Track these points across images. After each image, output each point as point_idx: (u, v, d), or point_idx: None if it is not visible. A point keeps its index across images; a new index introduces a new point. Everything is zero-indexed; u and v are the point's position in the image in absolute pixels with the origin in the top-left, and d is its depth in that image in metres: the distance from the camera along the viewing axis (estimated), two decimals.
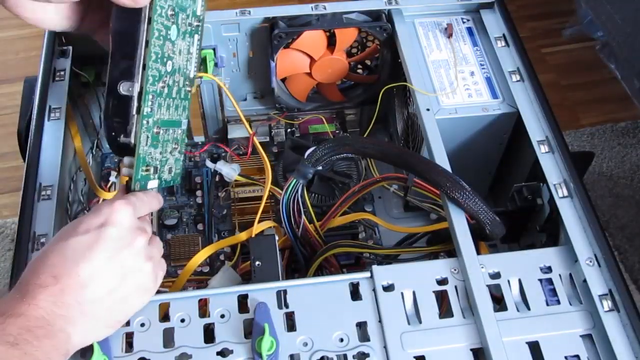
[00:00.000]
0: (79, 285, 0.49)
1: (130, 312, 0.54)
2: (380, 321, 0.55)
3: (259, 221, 0.68)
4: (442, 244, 0.67)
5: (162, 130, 0.58)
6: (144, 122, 0.55)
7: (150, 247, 0.55)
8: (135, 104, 0.54)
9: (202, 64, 0.79)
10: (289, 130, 0.89)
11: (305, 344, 0.54)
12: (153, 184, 0.58)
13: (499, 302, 0.57)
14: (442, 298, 0.58)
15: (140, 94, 0.54)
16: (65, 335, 0.48)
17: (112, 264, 0.51)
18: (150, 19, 0.53)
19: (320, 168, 0.68)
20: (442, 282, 0.58)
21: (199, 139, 0.91)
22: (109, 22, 0.54)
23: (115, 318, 0.53)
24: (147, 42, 0.53)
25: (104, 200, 0.74)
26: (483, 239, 0.64)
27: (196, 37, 0.63)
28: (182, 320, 0.55)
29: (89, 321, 0.50)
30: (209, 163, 0.78)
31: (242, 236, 0.68)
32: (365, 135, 0.87)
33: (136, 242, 0.53)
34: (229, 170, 0.77)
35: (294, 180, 0.66)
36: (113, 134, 0.54)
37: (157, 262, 0.56)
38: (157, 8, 0.53)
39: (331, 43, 0.80)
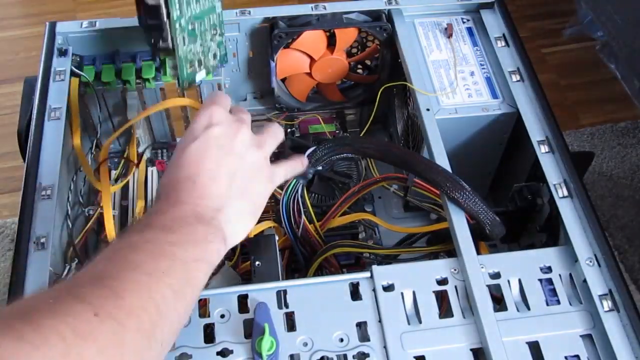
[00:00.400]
0: (212, 179, 0.53)
1: (263, 197, 0.57)
2: (380, 321, 0.55)
3: (259, 221, 0.68)
4: (442, 244, 0.67)
5: (196, 24, 0.60)
6: (176, 25, 0.57)
7: (255, 136, 0.58)
8: (164, 10, 0.57)
9: None
10: (289, 130, 0.89)
11: (305, 344, 0.54)
12: (201, 75, 0.61)
13: (499, 302, 0.57)
14: (442, 298, 0.58)
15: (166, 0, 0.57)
16: (217, 223, 0.51)
17: (228, 156, 0.54)
18: None
19: (320, 168, 0.68)
20: (442, 282, 0.58)
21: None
22: None
23: (252, 203, 0.56)
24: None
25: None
26: (483, 239, 0.64)
27: None
28: None
29: (233, 211, 0.53)
30: None
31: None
32: (362, 134, 0.87)
33: (240, 133, 0.56)
34: None
35: (294, 180, 0.66)
36: (152, 41, 0.58)
37: (265, 148, 0.58)
38: None
39: (331, 43, 0.80)
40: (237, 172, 0.55)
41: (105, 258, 0.45)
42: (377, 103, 0.80)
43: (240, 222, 0.54)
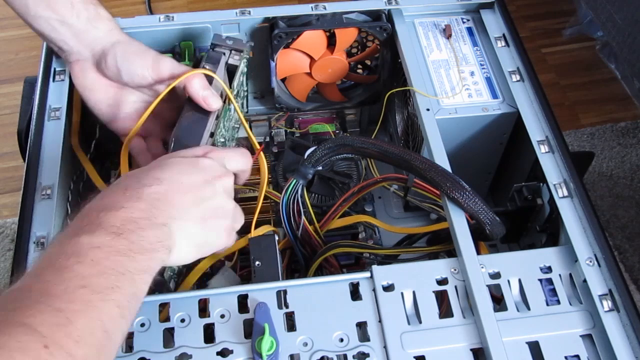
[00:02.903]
0: (180, 190, 0.52)
1: (215, 242, 0.56)
2: (380, 321, 0.55)
3: (257, 222, 0.67)
4: (442, 244, 0.67)
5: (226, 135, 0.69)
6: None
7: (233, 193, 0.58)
8: None
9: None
10: (288, 130, 0.89)
11: (305, 344, 0.54)
12: None
13: (499, 302, 0.57)
14: (442, 298, 0.58)
15: None
16: (167, 230, 0.50)
17: (206, 185, 0.54)
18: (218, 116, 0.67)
19: (320, 168, 0.68)
20: (442, 282, 0.58)
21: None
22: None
23: (204, 238, 0.54)
24: (212, 134, 0.66)
25: None
26: (483, 239, 0.64)
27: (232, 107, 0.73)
28: (182, 320, 0.55)
29: (186, 228, 0.52)
30: None
31: (242, 242, 0.67)
32: (373, 136, 0.87)
33: (226, 178, 0.57)
34: None
35: (294, 181, 0.66)
36: None
37: (237, 210, 0.59)
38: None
39: (331, 43, 0.79)
40: (205, 202, 0.54)
41: (51, 266, 0.43)
42: (383, 109, 0.80)
43: (187, 246, 0.52)
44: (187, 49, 0.78)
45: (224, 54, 0.71)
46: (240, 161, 0.62)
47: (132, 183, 0.51)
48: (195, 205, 0.53)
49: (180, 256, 0.52)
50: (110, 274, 0.43)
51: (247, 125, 0.75)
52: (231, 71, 0.72)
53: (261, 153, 0.70)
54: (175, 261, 0.52)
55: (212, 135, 0.66)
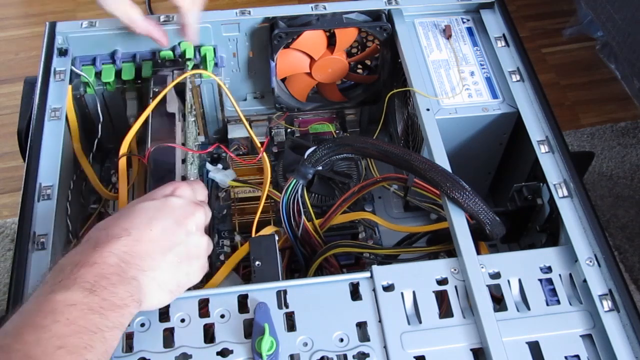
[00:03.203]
0: (150, 239, 0.52)
1: (188, 283, 0.56)
2: (380, 321, 0.55)
3: (259, 222, 0.68)
4: (442, 244, 0.67)
5: None
6: None
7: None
8: None
9: (203, 62, 0.79)
10: (289, 130, 0.89)
11: (305, 344, 0.54)
12: None
13: (498, 302, 0.57)
14: (442, 298, 0.58)
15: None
16: (137, 283, 0.50)
17: (178, 227, 0.55)
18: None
19: (320, 168, 0.68)
20: (442, 282, 0.58)
21: (199, 138, 0.91)
22: None
23: (176, 283, 0.54)
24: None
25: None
26: (483, 239, 0.64)
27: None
28: (182, 321, 0.55)
29: (157, 277, 0.52)
30: (208, 166, 0.78)
31: (247, 247, 0.67)
32: (375, 137, 0.87)
33: (198, 214, 0.57)
34: (222, 177, 0.77)
35: (294, 181, 0.66)
36: None
37: (209, 243, 0.59)
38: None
39: (331, 43, 0.80)
40: (178, 247, 0.54)
41: (30, 325, 0.45)
42: (384, 110, 0.80)
43: (160, 293, 0.53)
44: (186, 49, 0.78)
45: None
46: (205, 192, 0.63)
47: (102, 236, 0.51)
48: (166, 252, 0.53)
49: (153, 304, 0.53)
50: (84, 333, 0.45)
51: (247, 125, 0.75)
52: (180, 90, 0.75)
53: (264, 153, 0.70)
54: (148, 308, 0.53)
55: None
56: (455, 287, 0.57)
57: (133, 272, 0.50)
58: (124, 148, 0.70)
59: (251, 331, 0.54)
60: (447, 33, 0.77)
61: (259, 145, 0.73)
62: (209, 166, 0.78)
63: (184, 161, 0.69)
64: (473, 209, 0.60)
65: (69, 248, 0.58)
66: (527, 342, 0.54)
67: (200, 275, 0.57)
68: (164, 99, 0.73)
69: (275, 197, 0.73)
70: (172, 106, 0.74)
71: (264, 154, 0.71)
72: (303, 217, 0.67)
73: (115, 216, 0.54)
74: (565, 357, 0.53)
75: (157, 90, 0.74)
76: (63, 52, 0.75)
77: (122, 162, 0.70)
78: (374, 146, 0.65)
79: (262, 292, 0.57)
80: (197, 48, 0.79)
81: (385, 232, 0.79)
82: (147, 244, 0.52)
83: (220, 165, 0.80)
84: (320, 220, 0.70)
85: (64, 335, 0.44)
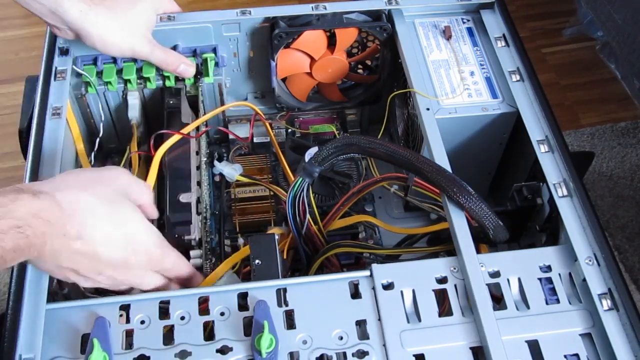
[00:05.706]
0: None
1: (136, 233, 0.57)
2: (379, 319, 0.55)
3: (260, 221, 0.68)
4: (442, 244, 0.67)
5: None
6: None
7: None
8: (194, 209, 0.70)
9: (203, 65, 0.79)
10: (289, 130, 0.89)
11: (305, 342, 0.54)
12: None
13: (498, 301, 0.57)
14: (441, 297, 0.58)
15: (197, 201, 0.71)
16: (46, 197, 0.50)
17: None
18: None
19: (325, 167, 0.68)
20: (442, 280, 0.58)
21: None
22: None
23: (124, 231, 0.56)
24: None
25: None
26: (485, 243, 0.64)
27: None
28: (182, 318, 0.55)
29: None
30: (216, 164, 0.78)
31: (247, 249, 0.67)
32: (379, 136, 0.87)
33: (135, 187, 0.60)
34: (230, 171, 0.77)
35: (300, 179, 0.66)
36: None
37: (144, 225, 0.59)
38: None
39: (331, 43, 0.80)
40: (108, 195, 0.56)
41: None
42: (387, 112, 0.81)
43: (53, 261, 0.53)
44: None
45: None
46: (147, 193, 0.64)
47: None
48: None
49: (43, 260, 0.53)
50: None
51: (268, 126, 0.79)
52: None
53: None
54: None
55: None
56: (455, 285, 0.58)
57: (39, 187, 0.51)
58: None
59: (251, 329, 0.54)
60: (447, 34, 0.77)
61: (277, 145, 0.75)
62: (216, 163, 0.78)
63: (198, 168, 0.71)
64: (478, 214, 0.60)
65: None
66: (526, 341, 0.54)
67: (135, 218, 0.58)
68: (179, 110, 0.79)
69: (279, 194, 0.73)
70: (186, 117, 0.79)
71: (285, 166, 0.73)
72: (308, 215, 0.67)
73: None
74: (565, 356, 0.53)
75: (172, 102, 0.80)
76: (64, 52, 0.75)
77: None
78: (381, 147, 0.64)
79: (261, 290, 0.57)
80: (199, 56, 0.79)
81: (385, 232, 0.79)
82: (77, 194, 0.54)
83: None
84: (323, 221, 0.70)
85: None
